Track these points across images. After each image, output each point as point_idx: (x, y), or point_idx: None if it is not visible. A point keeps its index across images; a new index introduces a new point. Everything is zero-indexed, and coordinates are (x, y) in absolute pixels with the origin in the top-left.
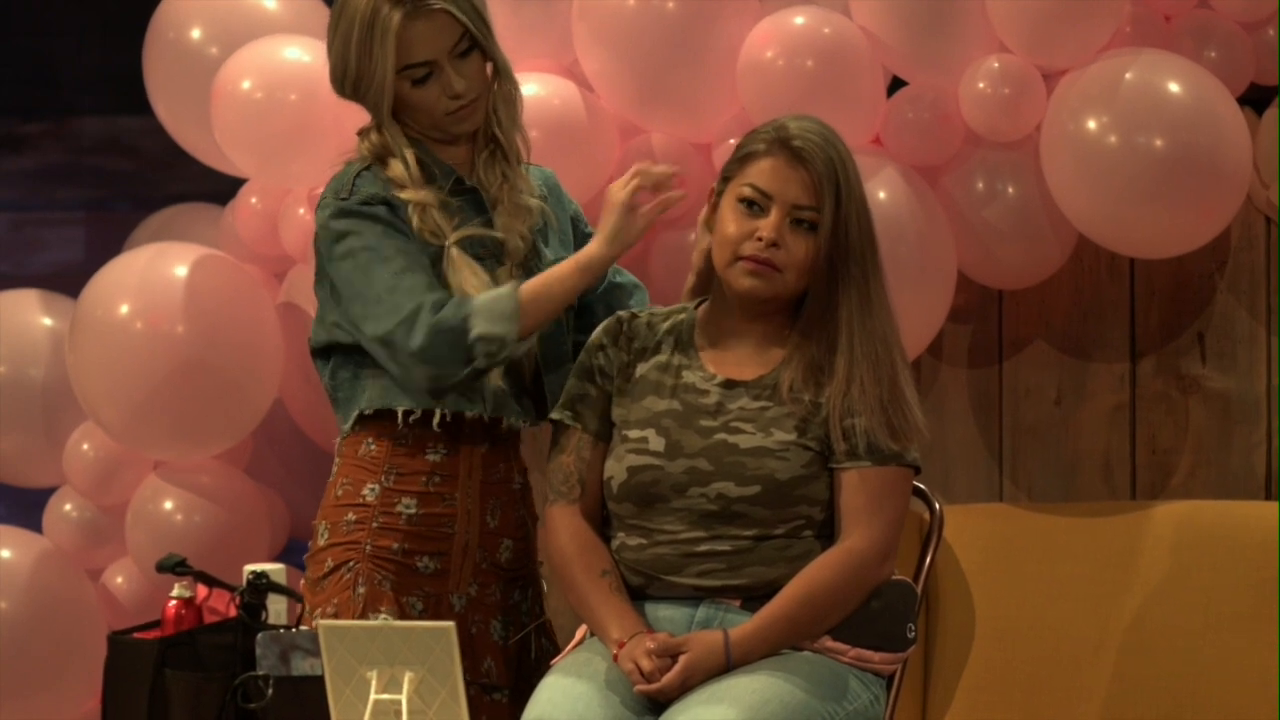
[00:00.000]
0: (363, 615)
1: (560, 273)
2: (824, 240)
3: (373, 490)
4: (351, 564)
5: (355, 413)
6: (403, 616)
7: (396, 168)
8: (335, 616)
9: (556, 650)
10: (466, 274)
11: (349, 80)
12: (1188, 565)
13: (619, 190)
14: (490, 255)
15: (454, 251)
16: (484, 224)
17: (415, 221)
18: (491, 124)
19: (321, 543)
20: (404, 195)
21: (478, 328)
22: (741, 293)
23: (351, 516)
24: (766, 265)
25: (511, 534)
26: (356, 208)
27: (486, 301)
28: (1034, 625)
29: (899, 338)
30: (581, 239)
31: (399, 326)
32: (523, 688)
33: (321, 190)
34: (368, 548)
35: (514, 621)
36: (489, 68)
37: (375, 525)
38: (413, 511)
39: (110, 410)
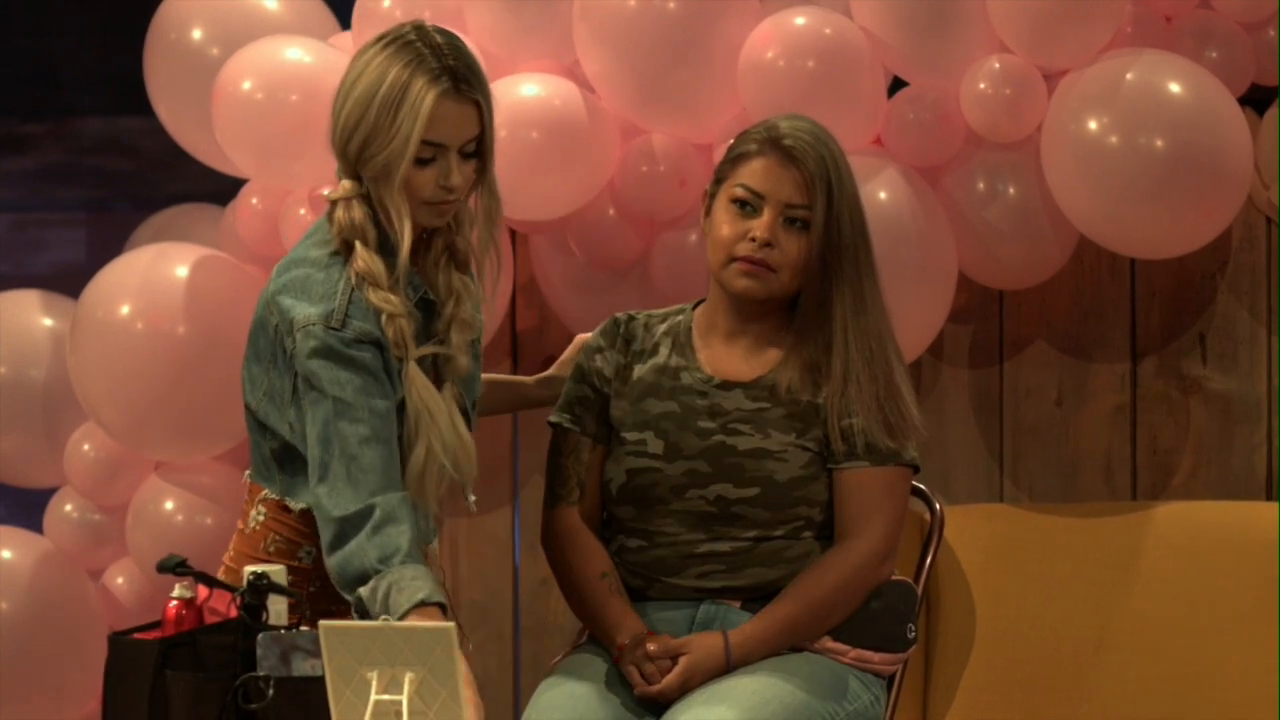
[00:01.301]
0: None
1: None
2: (817, 239)
3: (309, 554)
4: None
5: (305, 503)
6: None
7: (366, 259)
8: None
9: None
10: (429, 397)
11: (359, 136)
12: (1188, 566)
13: None
14: (434, 373)
15: (413, 369)
16: (435, 340)
17: (390, 333)
18: (451, 233)
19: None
20: (374, 299)
21: (361, 592)
22: (737, 293)
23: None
24: (761, 265)
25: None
26: (344, 349)
27: (397, 580)
28: (1034, 625)
29: (894, 335)
30: None
31: (347, 521)
32: None
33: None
34: (307, 612)
35: None
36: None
37: (313, 589)
38: None
39: (111, 411)
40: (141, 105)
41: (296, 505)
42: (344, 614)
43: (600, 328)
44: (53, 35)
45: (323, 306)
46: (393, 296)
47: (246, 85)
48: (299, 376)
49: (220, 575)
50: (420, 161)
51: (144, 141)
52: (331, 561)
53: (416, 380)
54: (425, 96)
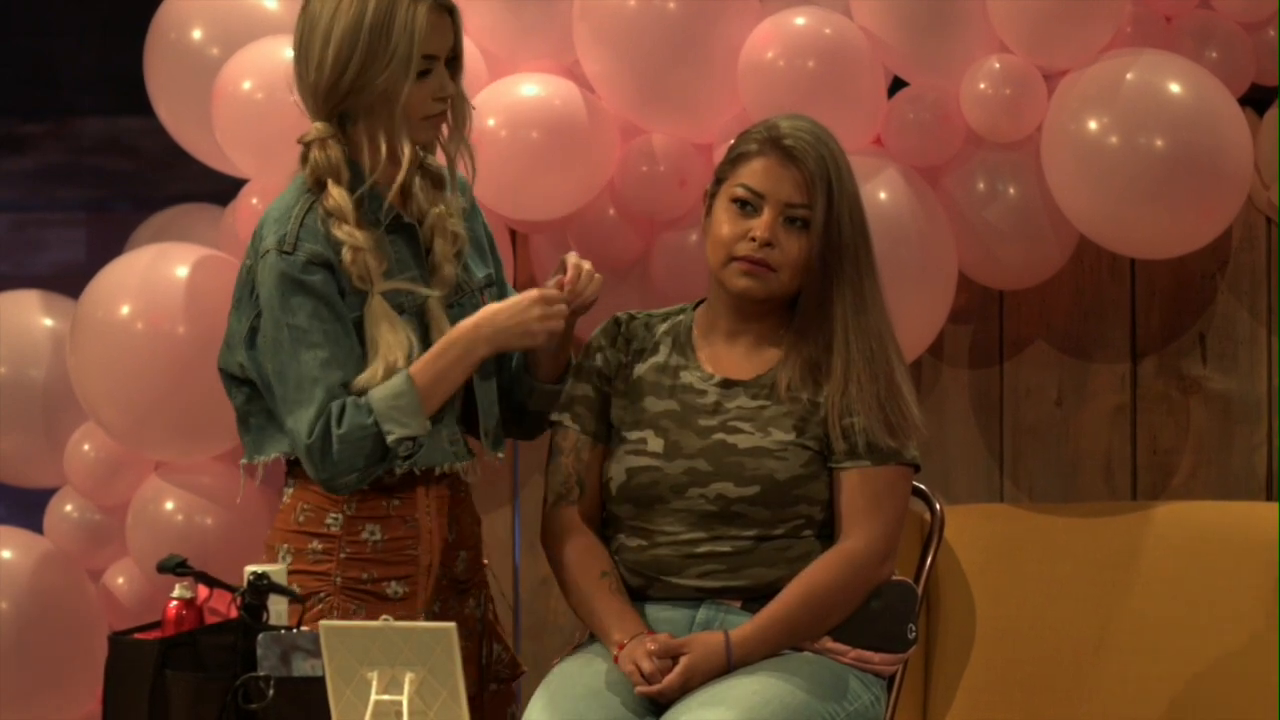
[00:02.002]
0: None
1: (452, 355)
2: (817, 238)
3: (336, 520)
4: (322, 595)
5: (272, 456)
6: None
7: (337, 195)
8: None
9: (508, 653)
10: (385, 328)
11: (352, 67)
12: (1188, 566)
13: (541, 328)
14: (413, 308)
15: (376, 302)
16: (416, 268)
17: (347, 260)
18: (423, 153)
19: (285, 565)
20: (339, 233)
21: (394, 432)
22: (737, 293)
23: (317, 545)
24: (761, 265)
25: (466, 544)
26: (297, 274)
27: (387, 399)
28: (1034, 625)
29: (894, 334)
30: (491, 247)
31: (314, 444)
32: (480, 695)
33: (269, 207)
34: (338, 580)
35: (471, 630)
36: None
37: (343, 556)
38: (378, 539)
39: (111, 411)
40: (141, 105)
41: (270, 453)
42: (374, 580)
43: (601, 327)
44: (53, 35)
45: (277, 231)
46: (358, 231)
47: (246, 85)
48: (257, 315)
49: (264, 557)
50: (419, 76)
51: (144, 141)
52: (330, 472)
53: (376, 312)
54: (416, 12)
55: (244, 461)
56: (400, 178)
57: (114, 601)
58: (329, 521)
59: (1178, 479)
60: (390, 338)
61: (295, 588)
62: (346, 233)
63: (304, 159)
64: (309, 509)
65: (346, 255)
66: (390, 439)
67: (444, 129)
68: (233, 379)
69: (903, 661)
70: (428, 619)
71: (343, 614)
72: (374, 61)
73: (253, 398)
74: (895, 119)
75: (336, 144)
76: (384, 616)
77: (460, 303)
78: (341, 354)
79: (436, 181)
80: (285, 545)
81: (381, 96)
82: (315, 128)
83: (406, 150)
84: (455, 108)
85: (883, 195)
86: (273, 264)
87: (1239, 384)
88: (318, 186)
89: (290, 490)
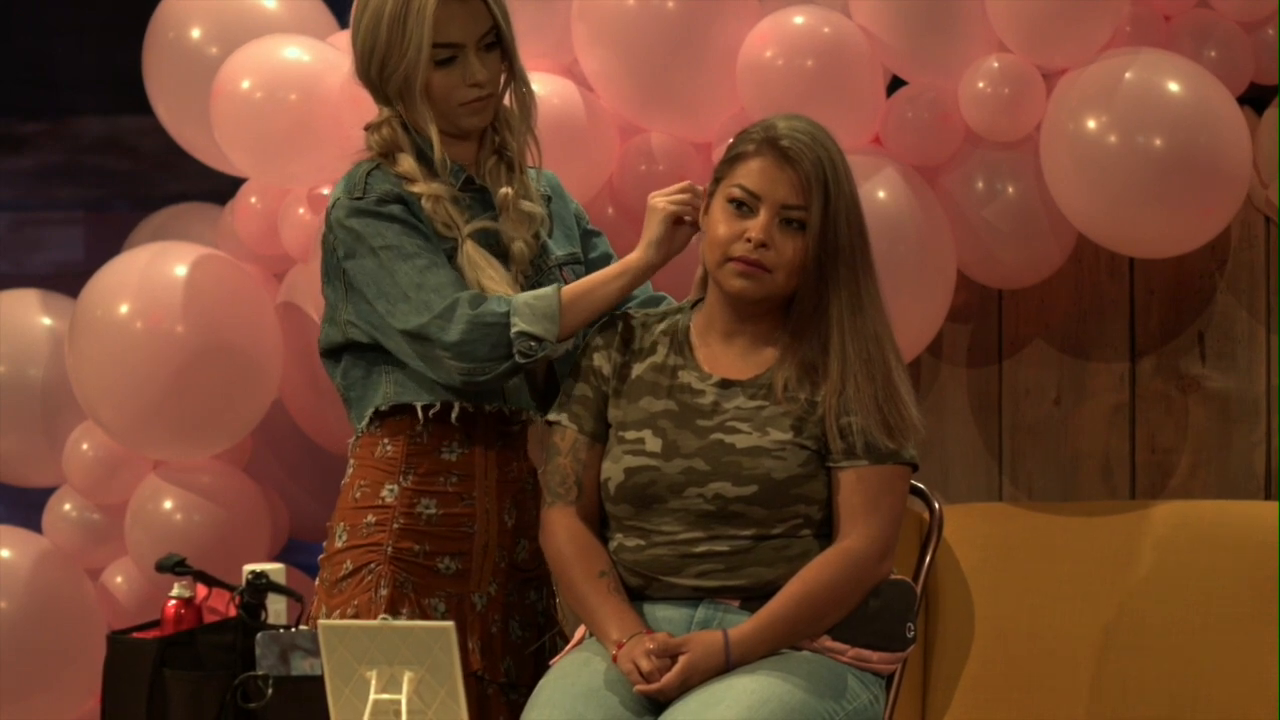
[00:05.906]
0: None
1: (603, 277)
2: (813, 240)
3: (391, 491)
4: (373, 566)
5: (370, 410)
6: (425, 618)
7: (406, 163)
8: (356, 618)
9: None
10: (484, 267)
11: (376, 57)
12: (1187, 565)
13: (665, 202)
14: (501, 253)
15: (469, 246)
16: (493, 219)
17: (429, 209)
18: (502, 128)
19: (339, 544)
20: (415, 189)
21: (519, 324)
22: (732, 293)
23: (371, 518)
24: (756, 266)
25: (527, 533)
26: (372, 207)
27: (528, 300)
28: (1033, 625)
29: (892, 335)
30: (584, 235)
31: (433, 320)
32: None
33: (329, 190)
34: (389, 550)
35: (531, 621)
36: (504, 73)
37: (396, 527)
38: (433, 512)
39: (110, 410)
40: (140, 105)
41: (368, 410)
42: (427, 554)
43: (598, 326)
44: (53, 35)
45: (345, 184)
46: (434, 183)
47: (245, 84)
48: (345, 273)
49: (327, 543)
50: (440, 64)
51: (143, 141)
52: (449, 342)
53: (472, 256)
54: (428, 2)
55: (351, 440)
56: (435, 154)
57: (112, 600)
58: (384, 494)
59: (1176, 478)
60: (491, 273)
61: (348, 564)
62: (422, 187)
63: (369, 143)
64: (366, 484)
65: (428, 205)
66: (514, 330)
67: (510, 112)
68: (331, 356)
69: (901, 660)
70: (483, 600)
71: (391, 584)
72: (392, 51)
73: (348, 369)
74: (894, 118)
75: (396, 123)
76: (382, 616)
77: (538, 280)
78: (442, 261)
79: (510, 165)
80: (342, 524)
81: (406, 84)
82: (379, 112)
83: (434, 132)
84: (516, 93)
85: (881, 194)
86: (344, 206)
87: (1238, 383)
88: (388, 160)
89: (351, 465)
